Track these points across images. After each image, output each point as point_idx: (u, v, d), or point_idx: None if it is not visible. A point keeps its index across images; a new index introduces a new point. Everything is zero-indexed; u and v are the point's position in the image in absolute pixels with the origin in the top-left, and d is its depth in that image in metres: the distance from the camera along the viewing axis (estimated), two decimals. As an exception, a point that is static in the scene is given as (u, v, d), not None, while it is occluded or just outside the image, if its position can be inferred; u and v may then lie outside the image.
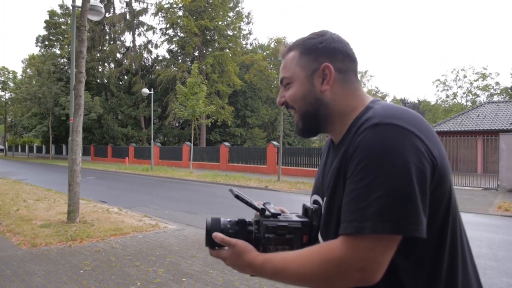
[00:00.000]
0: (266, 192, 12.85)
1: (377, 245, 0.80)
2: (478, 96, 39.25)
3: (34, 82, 37.42)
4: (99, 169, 23.95)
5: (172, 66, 38.00)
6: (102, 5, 8.32)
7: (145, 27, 41.08)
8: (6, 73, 44.23)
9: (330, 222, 0.95)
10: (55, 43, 43.61)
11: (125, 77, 40.78)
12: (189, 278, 4.15)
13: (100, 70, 42.08)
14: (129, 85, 39.46)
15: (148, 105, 35.56)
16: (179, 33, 38.45)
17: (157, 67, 41.23)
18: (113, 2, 40.43)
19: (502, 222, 8.09)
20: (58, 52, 41.85)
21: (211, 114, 31.07)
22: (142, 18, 49.42)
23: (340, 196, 0.90)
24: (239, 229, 1.00)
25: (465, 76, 40.00)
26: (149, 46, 41.91)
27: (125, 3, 40.50)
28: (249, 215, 1.09)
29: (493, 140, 16.08)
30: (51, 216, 7.53)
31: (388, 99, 54.27)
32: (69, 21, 39.51)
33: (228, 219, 1.02)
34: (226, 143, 24.78)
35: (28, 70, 45.15)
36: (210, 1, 36.58)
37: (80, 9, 7.25)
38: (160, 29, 40.24)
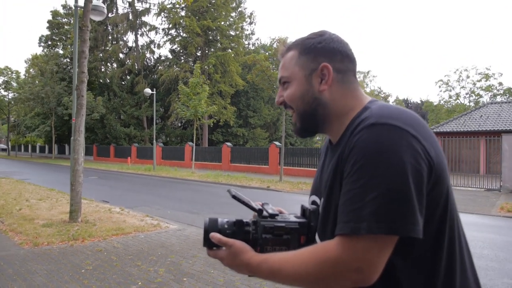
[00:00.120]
0: (268, 193, 12.84)
1: (373, 246, 0.80)
2: (481, 96, 39.02)
3: (37, 82, 37.62)
4: (101, 169, 24.01)
5: (174, 66, 38.02)
6: (104, 6, 8.34)
7: (148, 27, 41.28)
8: (9, 73, 44.62)
9: (327, 222, 0.95)
10: (58, 43, 43.76)
11: (128, 77, 40.88)
12: (190, 278, 4.16)
13: (102, 70, 42.14)
14: (132, 85, 39.56)
15: (150, 105, 35.67)
16: (181, 33, 38.53)
17: (159, 67, 41.31)
18: (116, 2, 40.49)
19: (505, 223, 8.06)
20: (61, 52, 42.07)
21: (213, 114, 31.08)
22: (144, 18, 49.54)
23: (336, 196, 0.90)
24: (237, 229, 1.00)
25: (468, 77, 39.70)
26: (152, 46, 42.16)
27: (127, 3, 40.64)
28: (250, 216, 1.09)
29: (496, 140, 16.04)
30: (53, 216, 7.56)
31: (391, 100, 54.09)
32: (72, 21, 39.60)
33: (226, 220, 1.02)
34: (228, 143, 24.76)
35: (31, 70, 45.44)
36: (213, 1, 36.62)
37: (82, 9, 7.29)
38: (163, 29, 40.39)
